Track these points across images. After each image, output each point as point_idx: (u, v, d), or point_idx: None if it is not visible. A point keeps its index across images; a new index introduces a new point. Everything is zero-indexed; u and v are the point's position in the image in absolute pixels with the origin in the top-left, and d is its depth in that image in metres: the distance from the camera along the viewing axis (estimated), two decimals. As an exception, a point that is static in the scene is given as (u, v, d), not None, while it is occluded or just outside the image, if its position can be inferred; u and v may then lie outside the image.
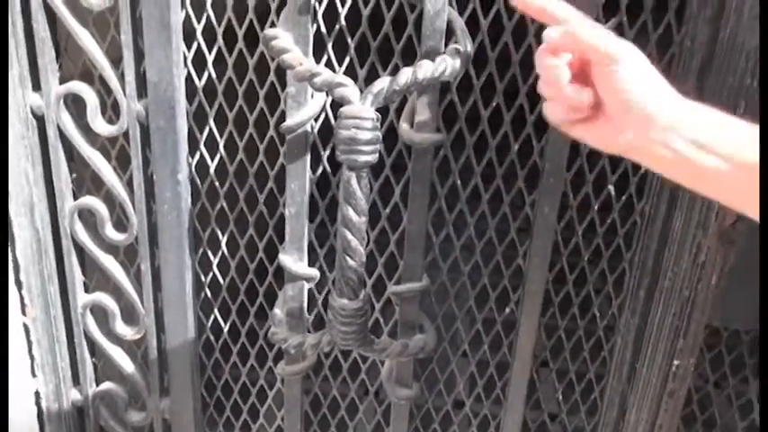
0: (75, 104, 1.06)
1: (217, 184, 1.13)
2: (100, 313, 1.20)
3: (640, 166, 0.77)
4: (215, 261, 1.18)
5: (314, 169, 1.05)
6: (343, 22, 0.98)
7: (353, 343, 1.01)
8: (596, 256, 1.09)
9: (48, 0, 0.98)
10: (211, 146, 1.10)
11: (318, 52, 0.98)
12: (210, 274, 1.19)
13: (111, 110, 1.06)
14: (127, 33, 0.98)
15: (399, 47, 0.97)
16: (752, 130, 0.60)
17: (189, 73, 1.03)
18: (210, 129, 1.09)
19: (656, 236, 1.01)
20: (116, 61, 1.01)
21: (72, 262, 1.15)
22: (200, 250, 1.16)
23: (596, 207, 1.05)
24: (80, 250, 1.15)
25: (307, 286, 1.10)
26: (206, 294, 1.20)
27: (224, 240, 1.16)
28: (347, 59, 1.00)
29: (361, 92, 0.88)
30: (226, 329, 1.25)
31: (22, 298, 1.16)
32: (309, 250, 1.09)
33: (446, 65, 0.89)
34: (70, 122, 1.06)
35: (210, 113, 1.07)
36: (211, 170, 1.12)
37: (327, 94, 0.97)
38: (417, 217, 1.03)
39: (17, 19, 1.00)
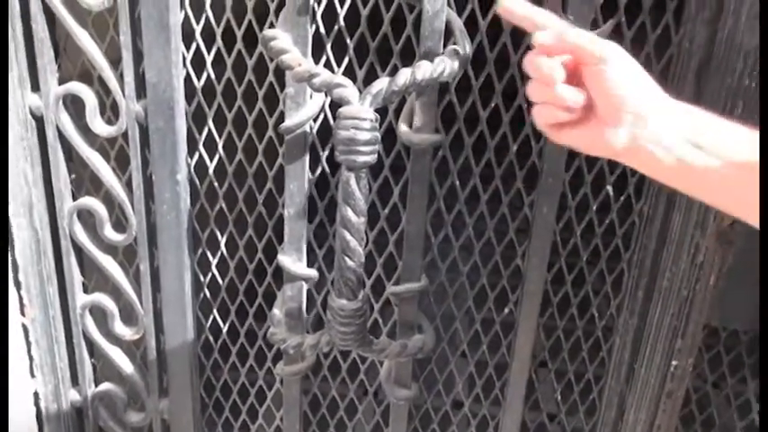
0: (74, 105, 1.06)
1: (216, 184, 1.13)
2: (99, 314, 1.20)
3: (639, 167, 0.77)
4: (214, 261, 1.18)
5: (313, 170, 1.05)
6: (341, 22, 0.98)
7: (352, 343, 1.01)
8: (595, 256, 1.09)
9: (47, 1, 0.98)
10: (210, 146, 1.10)
11: (317, 53, 0.98)
12: (209, 275, 1.19)
13: (110, 110, 1.06)
14: (126, 34, 0.98)
15: (398, 47, 0.97)
16: (748, 132, 0.60)
17: (188, 73, 1.03)
18: (209, 129, 1.09)
19: (654, 236, 1.01)
20: (115, 62, 1.01)
21: (71, 262, 1.15)
22: (199, 251, 1.15)
23: (595, 207, 1.05)
24: (79, 251, 1.15)
25: (305, 287, 1.10)
26: (205, 295, 1.20)
27: (223, 241, 1.16)
28: (346, 60, 1.00)
29: (360, 92, 0.88)
30: (225, 330, 1.25)
31: (20, 298, 1.16)
32: (308, 251, 1.09)
33: (445, 65, 0.89)
34: (69, 123, 1.06)
35: (209, 114, 1.07)
36: (210, 171, 1.11)
37: (326, 95, 0.97)
38: (416, 217, 1.03)
39: (16, 20, 1.00)
